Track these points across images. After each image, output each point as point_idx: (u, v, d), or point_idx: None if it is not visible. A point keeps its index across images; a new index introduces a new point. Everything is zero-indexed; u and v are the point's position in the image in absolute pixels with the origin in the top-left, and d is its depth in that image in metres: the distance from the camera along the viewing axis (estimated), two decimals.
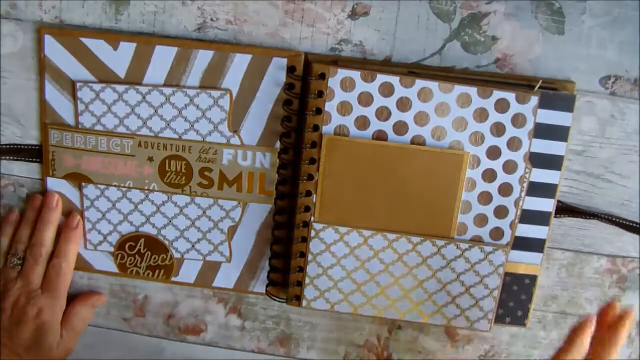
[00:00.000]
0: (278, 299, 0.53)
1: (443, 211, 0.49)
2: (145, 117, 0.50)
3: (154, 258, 0.54)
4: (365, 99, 0.47)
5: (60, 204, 0.53)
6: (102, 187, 0.52)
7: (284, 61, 0.48)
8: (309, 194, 0.50)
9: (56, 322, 0.52)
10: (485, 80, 0.48)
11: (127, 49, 0.49)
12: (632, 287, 0.52)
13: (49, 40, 0.49)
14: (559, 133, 0.48)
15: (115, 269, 0.55)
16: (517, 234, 0.51)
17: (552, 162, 0.49)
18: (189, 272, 0.54)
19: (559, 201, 0.50)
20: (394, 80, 0.47)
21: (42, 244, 0.52)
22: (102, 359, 0.58)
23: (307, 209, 0.50)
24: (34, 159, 0.53)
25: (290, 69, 0.48)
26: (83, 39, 0.49)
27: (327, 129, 0.48)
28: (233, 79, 0.49)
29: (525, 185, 0.49)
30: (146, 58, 0.49)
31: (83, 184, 0.52)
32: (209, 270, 0.54)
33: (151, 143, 0.51)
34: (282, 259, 0.52)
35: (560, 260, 0.52)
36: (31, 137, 0.52)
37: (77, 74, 0.50)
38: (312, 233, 0.50)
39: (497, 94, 0.47)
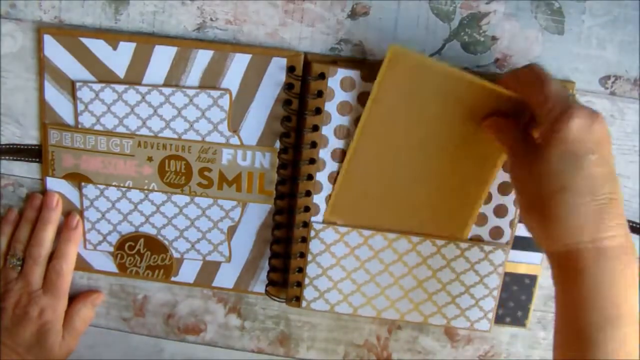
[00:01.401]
0: (278, 299, 0.53)
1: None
2: (145, 117, 0.50)
3: (154, 258, 0.54)
4: (365, 99, 0.47)
5: (60, 204, 0.53)
6: (102, 187, 0.52)
7: (284, 61, 0.48)
8: (308, 194, 0.50)
9: (58, 322, 0.52)
10: None
11: (127, 48, 0.49)
12: None
13: (49, 40, 0.49)
14: None
15: (114, 269, 0.55)
16: (517, 233, 0.51)
17: None
18: (188, 272, 0.54)
19: None
20: None
21: (41, 245, 0.52)
22: (101, 359, 0.58)
23: (307, 209, 0.50)
24: (34, 159, 0.53)
25: (290, 69, 0.48)
26: (82, 39, 0.49)
27: (327, 128, 0.48)
28: (233, 79, 0.49)
29: None
30: (146, 58, 0.49)
31: (82, 183, 0.52)
32: (209, 270, 0.54)
33: (151, 143, 0.51)
34: (282, 259, 0.52)
35: None
36: (31, 137, 0.52)
37: (77, 73, 0.50)
38: (312, 233, 0.50)
39: None
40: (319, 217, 0.50)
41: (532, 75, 0.40)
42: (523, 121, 0.43)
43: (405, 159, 0.47)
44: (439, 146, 0.46)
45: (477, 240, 0.50)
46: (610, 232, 0.37)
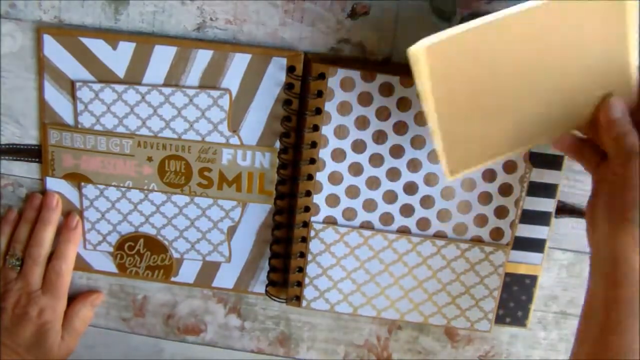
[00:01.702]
0: (278, 299, 0.53)
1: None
2: (145, 117, 0.50)
3: (154, 258, 0.54)
4: (365, 99, 0.47)
5: (60, 204, 0.53)
6: (102, 187, 0.52)
7: (284, 61, 0.48)
8: (308, 194, 0.49)
9: (58, 322, 0.52)
10: None
11: (127, 48, 0.49)
12: None
13: (48, 40, 0.49)
14: None
15: (114, 269, 0.55)
16: (518, 234, 0.51)
17: (552, 161, 0.49)
18: (188, 272, 0.54)
19: (559, 201, 0.50)
20: (394, 80, 0.47)
21: (41, 245, 0.52)
22: (101, 359, 0.58)
23: (307, 209, 0.50)
24: (34, 159, 0.53)
25: (290, 69, 0.48)
26: (82, 39, 0.49)
27: (327, 128, 0.48)
28: (232, 79, 0.49)
29: (525, 185, 0.49)
30: (145, 58, 0.49)
31: (82, 184, 0.52)
32: (209, 270, 0.54)
33: (150, 143, 0.51)
34: (282, 259, 0.52)
35: (560, 261, 0.52)
36: (30, 137, 0.52)
37: (77, 73, 0.50)
38: (312, 233, 0.50)
39: None
40: (319, 217, 0.50)
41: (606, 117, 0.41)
42: None
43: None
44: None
45: (477, 241, 0.50)
46: None
